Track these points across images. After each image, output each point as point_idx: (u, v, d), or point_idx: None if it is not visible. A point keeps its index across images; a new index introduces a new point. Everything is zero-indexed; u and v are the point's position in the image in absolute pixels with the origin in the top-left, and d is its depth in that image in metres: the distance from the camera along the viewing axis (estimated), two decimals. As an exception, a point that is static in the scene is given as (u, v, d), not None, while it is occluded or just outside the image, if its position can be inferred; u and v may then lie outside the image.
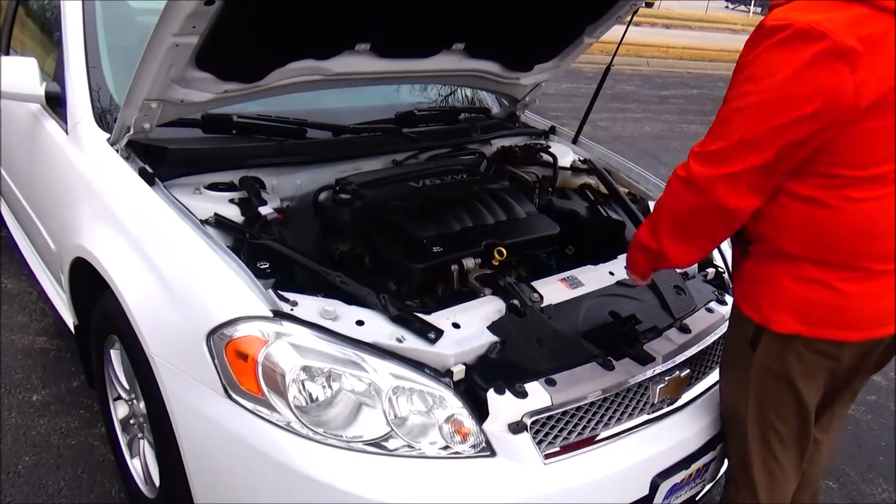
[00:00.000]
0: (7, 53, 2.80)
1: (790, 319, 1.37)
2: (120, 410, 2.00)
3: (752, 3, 27.88)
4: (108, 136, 1.86)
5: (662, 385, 1.59)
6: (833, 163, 1.26)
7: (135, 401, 1.87)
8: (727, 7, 29.60)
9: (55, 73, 2.21)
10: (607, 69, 2.43)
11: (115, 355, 1.93)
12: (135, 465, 1.94)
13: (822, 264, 1.33)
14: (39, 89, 2.05)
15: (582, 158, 2.49)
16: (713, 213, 1.32)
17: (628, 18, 2.26)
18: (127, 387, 1.90)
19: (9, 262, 3.23)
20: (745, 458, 1.51)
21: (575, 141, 2.63)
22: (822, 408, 1.52)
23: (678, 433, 1.59)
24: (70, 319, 2.17)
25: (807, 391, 1.42)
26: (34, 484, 2.06)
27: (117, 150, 1.82)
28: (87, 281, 1.83)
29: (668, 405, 1.63)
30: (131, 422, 1.95)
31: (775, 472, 1.49)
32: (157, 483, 1.76)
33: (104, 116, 1.98)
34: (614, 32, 2.35)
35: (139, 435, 1.92)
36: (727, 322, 1.60)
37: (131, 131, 1.76)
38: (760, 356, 1.43)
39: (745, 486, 1.53)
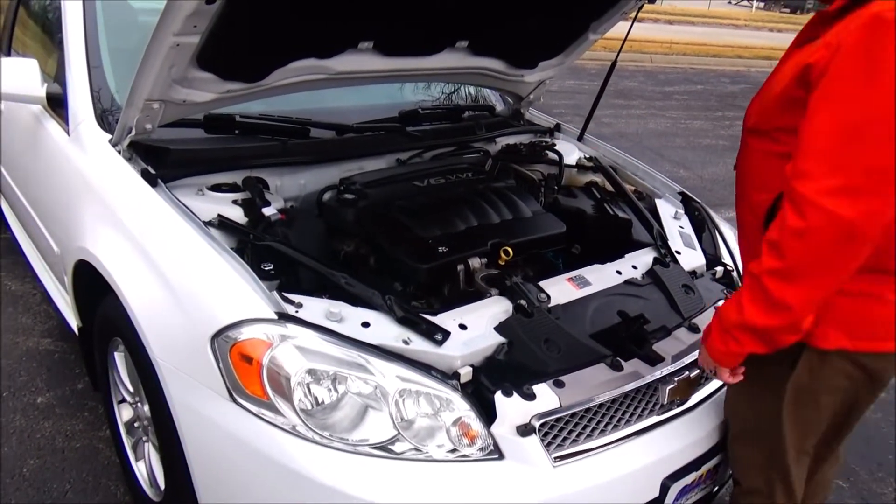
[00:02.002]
0: (8, 55, 2.79)
1: (834, 334, 1.31)
2: (124, 413, 1.98)
3: (755, -2, 27.77)
4: (109, 137, 1.85)
5: (672, 386, 1.56)
6: None
7: (139, 404, 1.86)
8: (730, 3, 29.50)
9: (56, 75, 2.19)
10: (612, 66, 2.41)
11: (119, 358, 1.92)
12: (140, 468, 1.93)
13: (870, 273, 1.25)
14: (40, 90, 2.04)
15: (588, 156, 2.47)
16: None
17: (633, 15, 2.24)
18: (131, 389, 1.89)
19: (12, 264, 3.22)
20: (784, 469, 1.46)
21: (580, 138, 2.61)
22: (843, 424, 1.46)
23: (688, 434, 1.57)
24: (74, 322, 2.16)
25: (832, 405, 1.39)
26: (39, 487, 2.05)
27: (119, 152, 1.80)
28: (90, 283, 1.82)
29: (678, 406, 1.61)
30: (136, 425, 1.94)
31: (802, 474, 1.47)
32: (162, 486, 1.75)
33: (106, 117, 1.97)
34: (617, 29, 2.33)
35: (144, 438, 1.91)
36: None
37: (133, 132, 1.75)
38: (800, 374, 1.37)
39: (783, 493, 1.48)
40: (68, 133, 2.02)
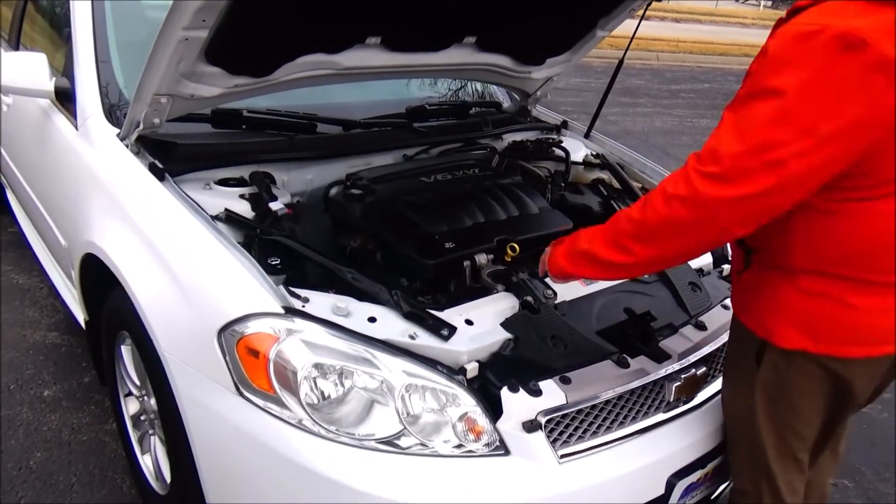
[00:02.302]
0: (17, 49, 2.79)
1: (795, 334, 1.31)
2: (131, 407, 1.99)
3: (763, -4, 27.66)
4: (117, 131, 1.86)
5: (678, 383, 1.56)
6: (860, 174, 1.16)
7: (145, 397, 1.86)
8: (738, 1, 29.37)
9: (64, 69, 2.20)
10: (620, 63, 2.40)
11: (125, 351, 1.92)
12: (146, 462, 1.93)
13: (834, 277, 1.26)
14: (49, 84, 2.04)
15: (594, 153, 2.47)
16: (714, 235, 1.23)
17: (641, 12, 2.23)
18: (138, 383, 1.90)
19: (20, 258, 3.24)
20: (766, 469, 1.45)
21: (587, 135, 2.60)
22: (825, 430, 1.45)
23: (694, 432, 1.56)
24: (81, 315, 2.17)
25: (810, 409, 1.37)
26: (46, 480, 2.06)
27: (127, 146, 1.81)
28: (97, 277, 1.83)
29: (684, 404, 1.60)
30: (142, 418, 1.95)
31: (795, 477, 1.45)
32: (168, 479, 1.76)
33: (114, 112, 1.97)
34: (623, 27, 2.32)
35: (150, 431, 1.91)
36: None
37: (141, 126, 1.75)
38: (765, 372, 1.38)
39: (769, 496, 1.47)
40: (76, 127, 2.02)
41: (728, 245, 1.70)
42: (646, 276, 1.81)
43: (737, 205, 1.16)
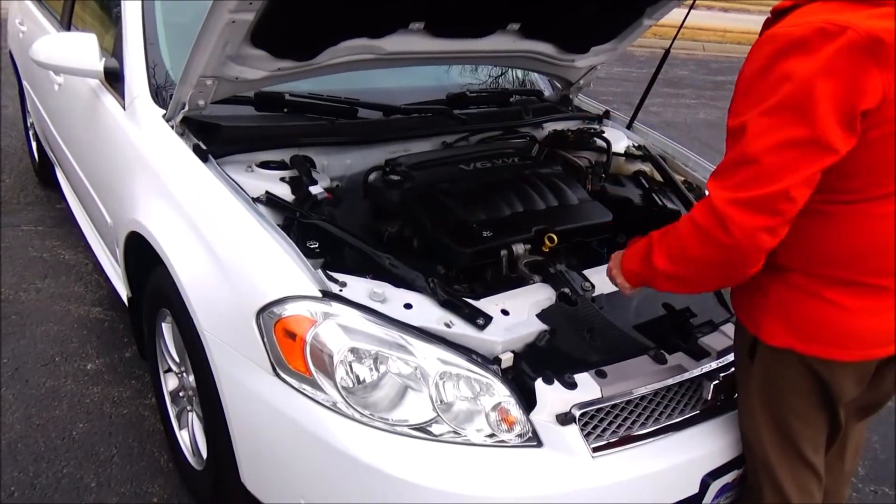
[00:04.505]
0: (69, 30, 2.85)
1: (783, 332, 1.29)
2: (170, 383, 2.04)
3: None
4: (163, 112, 1.89)
5: (717, 382, 1.53)
6: (846, 177, 1.16)
7: (184, 374, 1.90)
8: (789, -10, 28.45)
9: (114, 50, 2.24)
10: (666, 53, 2.35)
11: (166, 328, 1.97)
12: (183, 437, 1.98)
13: (820, 278, 1.25)
14: (98, 65, 2.08)
15: (636, 144, 2.42)
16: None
17: (690, 1, 2.17)
18: (177, 360, 1.94)
19: (67, 234, 3.33)
20: (766, 465, 1.42)
21: (629, 126, 2.56)
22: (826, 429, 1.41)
23: (731, 431, 1.53)
24: (124, 292, 2.22)
25: (801, 405, 1.35)
26: (87, 450, 2.12)
27: (172, 127, 1.84)
28: (141, 255, 1.87)
29: (722, 402, 1.57)
30: (181, 394, 1.99)
31: (805, 477, 1.42)
32: (205, 455, 1.80)
33: (160, 93, 2.00)
34: (669, 16, 2.26)
35: (188, 408, 1.96)
36: None
37: (186, 108, 1.78)
38: (757, 367, 1.37)
39: (771, 494, 1.44)
40: (124, 107, 2.06)
41: None
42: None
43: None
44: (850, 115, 1.08)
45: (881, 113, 1.10)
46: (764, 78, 1.13)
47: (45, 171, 3.68)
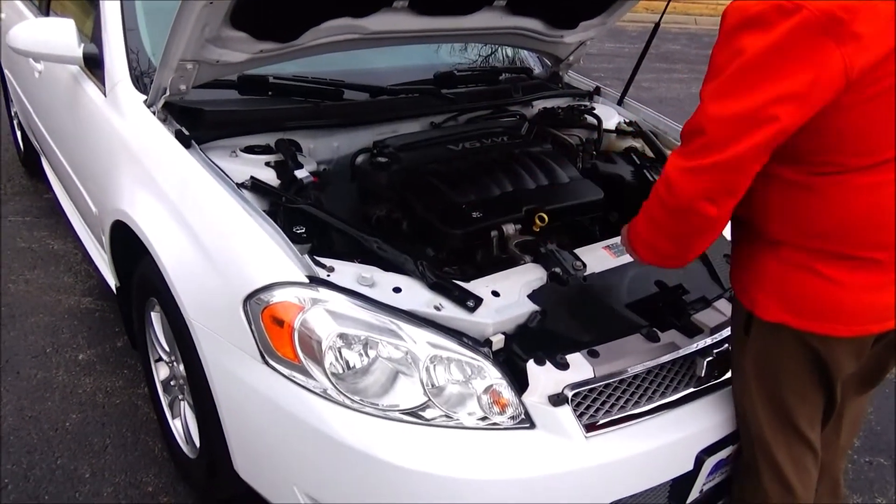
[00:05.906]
0: (47, 15, 2.80)
1: (777, 307, 1.29)
2: (161, 372, 2.02)
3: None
4: (145, 98, 1.85)
5: (710, 358, 1.52)
6: (828, 149, 1.15)
7: (175, 363, 1.89)
8: (781, -39, 28.21)
9: (93, 35, 2.19)
10: (656, 27, 2.31)
11: (155, 317, 1.95)
12: (176, 426, 1.97)
13: (812, 251, 1.24)
14: (77, 51, 2.03)
15: (627, 120, 2.40)
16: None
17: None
18: (167, 349, 1.92)
19: (55, 224, 3.30)
20: (761, 440, 1.42)
21: (620, 102, 2.53)
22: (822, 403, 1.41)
23: (725, 408, 1.52)
24: (112, 281, 2.20)
25: (796, 380, 1.34)
26: (81, 441, 2.11)
27: (154, 112, 1.80)
28: (127, 244, 1.84)
29: (716, 379, 1.56)
30: (172, 383, 1.98)
31: (801, 453, 1.42)
32: (198, 444, 1.79)
33: (141, 78, 1.97)
34: (661, -13, 2.23)
35: (180, 396, 1.94)
36: None
37: (167, 93, 1.74)
38: (752, 342, 1.36)
39: (767, 470, 1.44)
40: (105, 94, 2.02)
41: None
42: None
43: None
44: (799, 92, 1.08)
45: (853, 87, 1.08)
46: (720, 51, 1.14)
47: (30, 160, 3.64)
